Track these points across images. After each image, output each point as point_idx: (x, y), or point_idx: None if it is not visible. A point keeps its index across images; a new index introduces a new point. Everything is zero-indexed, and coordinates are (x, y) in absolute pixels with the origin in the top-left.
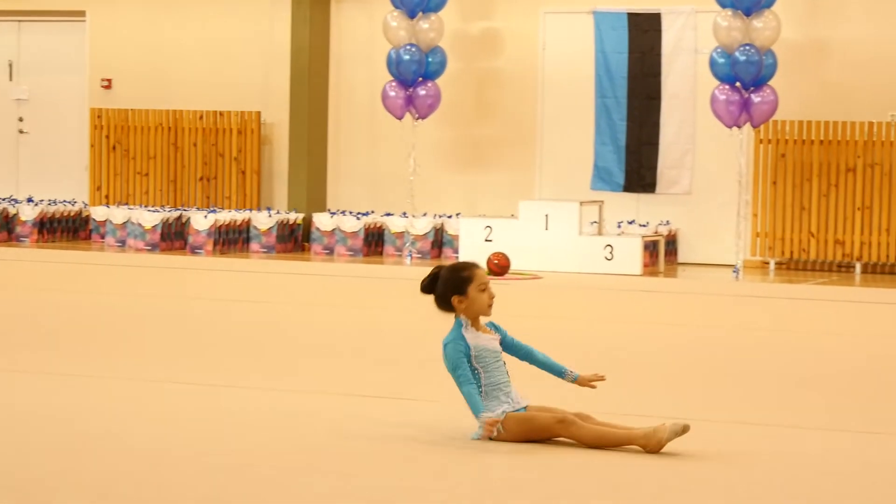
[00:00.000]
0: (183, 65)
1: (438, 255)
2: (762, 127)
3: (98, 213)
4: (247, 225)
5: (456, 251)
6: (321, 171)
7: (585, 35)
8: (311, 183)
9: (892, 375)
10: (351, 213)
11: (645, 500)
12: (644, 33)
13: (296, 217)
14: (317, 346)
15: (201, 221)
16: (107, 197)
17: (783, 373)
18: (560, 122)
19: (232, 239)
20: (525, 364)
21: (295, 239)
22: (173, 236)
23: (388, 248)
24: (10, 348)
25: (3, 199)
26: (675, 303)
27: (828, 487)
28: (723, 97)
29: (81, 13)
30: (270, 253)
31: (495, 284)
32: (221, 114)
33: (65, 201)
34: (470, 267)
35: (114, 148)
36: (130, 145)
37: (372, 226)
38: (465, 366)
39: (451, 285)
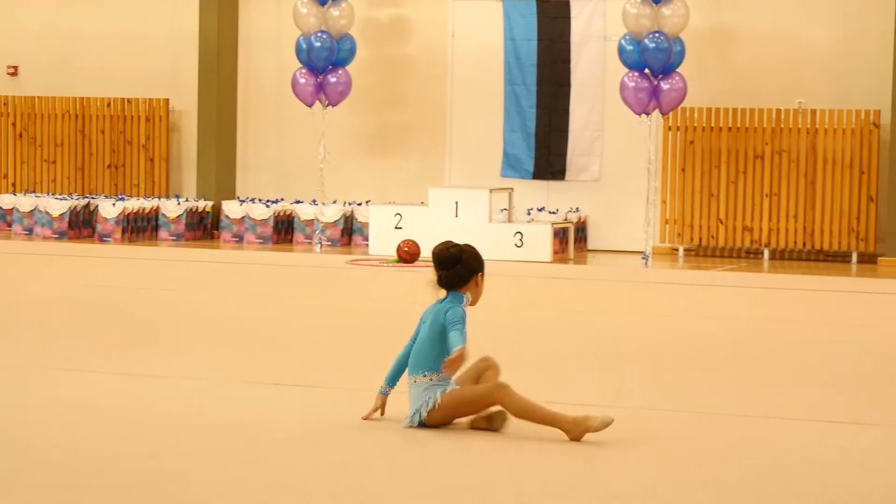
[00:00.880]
0: (90, 51)
1: (349, 243)
2: (671, 114)
3: (5, 201)
4: (155, 213)
5: (366, 238)
6: (230, 158)
7: (495, 22)
8: (220, 170)
9: (800, 360)
10: (260, 200)
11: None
12: (553, 20)
13: (205, 205)
14: (225, 333)
15: (109, 209)
16: (13, 185)
17: (693, 358)
18: (470, 110)
19: (140, 227)
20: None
21: (204, 227)
22: (81, 224)
23: (298, 236)
24: None
25: None
26: (585, 289)
27: (716, 470)
28: (632, 84)
29: None
30: (179, 241)
31: (405, 272)
32: (129, 101)
33: None
34: None
35: (20, 135)
36: (37, 133)
37: (282, 213)
38: (464, 324)
39: (479, 263)
